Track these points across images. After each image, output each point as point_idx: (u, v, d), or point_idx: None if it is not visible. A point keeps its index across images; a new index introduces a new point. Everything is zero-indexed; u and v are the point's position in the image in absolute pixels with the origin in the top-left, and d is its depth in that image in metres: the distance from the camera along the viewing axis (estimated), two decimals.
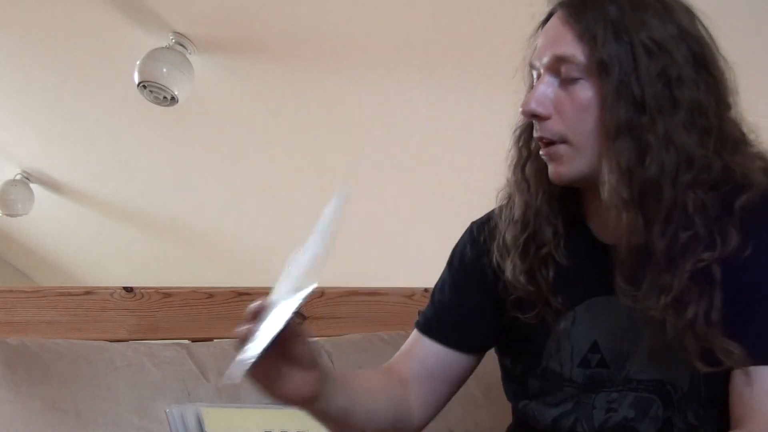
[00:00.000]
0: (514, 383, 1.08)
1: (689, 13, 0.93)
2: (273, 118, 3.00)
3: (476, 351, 1.10)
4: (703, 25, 0.93)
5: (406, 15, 2.20)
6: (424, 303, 1.41)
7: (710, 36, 0.93)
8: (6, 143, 4.05)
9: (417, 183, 2.97)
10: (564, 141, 0.92)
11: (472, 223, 1.12)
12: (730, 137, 0.91)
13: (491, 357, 1.17)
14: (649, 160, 0.87)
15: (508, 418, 1.14)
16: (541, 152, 0.95)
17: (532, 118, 0.94)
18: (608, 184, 0.88)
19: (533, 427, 1.04)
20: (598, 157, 0.90)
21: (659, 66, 0.87)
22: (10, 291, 1.33)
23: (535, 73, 0.96)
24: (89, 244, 4.77)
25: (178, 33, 2.65)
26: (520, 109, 0.94)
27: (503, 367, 1.11)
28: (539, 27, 0.97)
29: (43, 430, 1.14)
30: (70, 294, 1.36)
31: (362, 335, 1.54)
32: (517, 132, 1.01)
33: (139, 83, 2.65)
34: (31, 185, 4.17)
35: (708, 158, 0.88)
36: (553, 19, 0.94)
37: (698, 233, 0.87)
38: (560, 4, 0.94)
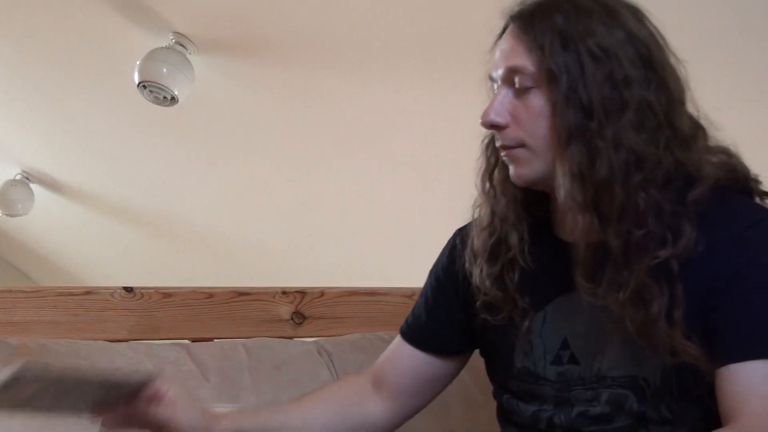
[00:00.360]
0: (495, 382, 1.11)
1: (636, 14, 0.96)
2: (273, 118, 3.00)
3: (453, 355, 1.15)
4: (652, 25, 0.96)
5: (406, 16, 2.20)
6: None
7: (659, 35, 0.96)
8: (6, 143, 4.05)
9: (417, 183, 2.97)
10: (522, 145, 0.96)
11: (457, 230, 1.16)
12: (682, 133, 0.94)
13: None
14: (599, 164, 0.90)
15: None
16: (502, 155, 1.00)
17: (491, 129, 0.99)
18: (563, 187, 0.92)
19: (515, 421, 1.07)
20: (553, 162, 0.94)
21: (606, 70, 0.90)
22: (10, 291, 1.33)
23: (495, 85, 1.00)
24: (89, 244, 4.77)
25: (178, 33, 2.65)
26: (480, 121, 0.99)
27: (486, 366, 1.14)
28: (495, 40, 1.01)
29: (43, 431, 1.14)
30: (70, 294, 1.36)
31: (362, 335, 1.54)
32: (485, 141, 1.06)
33: (139, 83, 2.65)
34: (31, 185, 4.17)
35: (659, 156, 0.91)
36: (507, 33, 0.98)
37: (652, 231, 0.90)
38: (512, 18, 0.98)
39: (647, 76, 0.92)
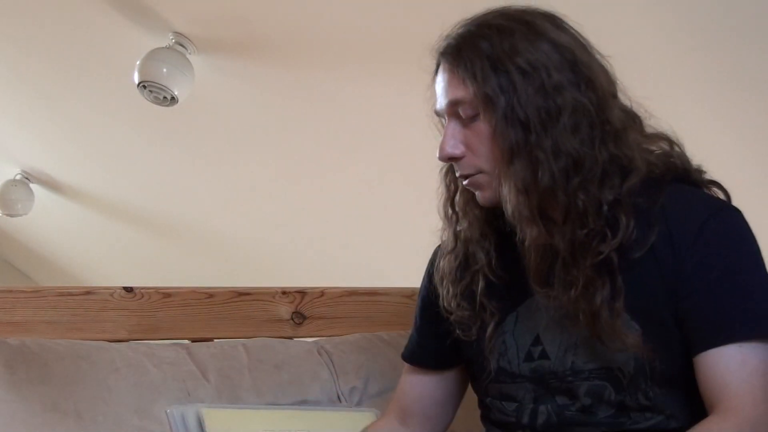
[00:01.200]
0: (477, 390, 1.14)
1: (554, 22, 1.00)
2: (273, 118, 3.00)
3: (453, 368, 1.19)
4: (572, 29, 1.01)
5: (406, 16, 2.20)
6: None
7: (581, 36, 1.01)
8: (6, 143, 4.05)
9: (418, 183, 2.97)
10: (480, 171, 1.01)
11: (436, 247, 1.20)
12: (614, 127, 0.98)
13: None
14: (541, 174, 0.95)
15: None
16: (464, 183, 1.04)
17: (449, 161, 1.05)
18: (509, 203, 0.98)
19: (499, 420, 1.09)
20: (500, 180, 0.99)
21: (536, 83, 0.95)
22: (10, 291, 1.33)
23: (443, 120, 1.05)
24: (89, 244, 4.77)
25: (178, 33, 2.65)
26: (437, 156, 1.04)
27: (470, 380, 1.18)
28: (432, 77, 1.07)
29: (42, 431, 1.14)
30: (70, 294, 1.36)
31: (362, 335, 1.54)
32: (443, 170, 1.11)
33: (139, 83, 2.65)
34: (31, 185, 4.17)
35: (594, 155, 0.95)
36: (440, 69, 1.05)
37: (593, 228, 0.95)
38: (441, 54, 1.04)
39: (576, 79, 0.96)
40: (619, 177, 0.97)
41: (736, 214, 0.98)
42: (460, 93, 0.99)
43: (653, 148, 1.03)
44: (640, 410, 0.97)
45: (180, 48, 2.66)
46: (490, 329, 1.06)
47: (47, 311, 1.33)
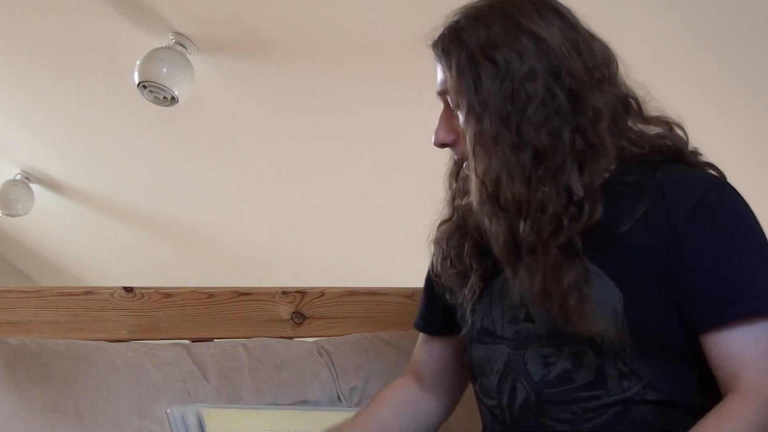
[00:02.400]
0: (468, 358, 1.15)
1: (541, 11, 1.01)
2: (273, 118, 3.00)
3: (457, 334, 1.19)
4: (567, 15, 1.02)
5: (406, 16, 2.20)
6: None
7: (573, 23, 1.02)
8: (6, 143, 4.05)
9: (417, 183, 2.97)
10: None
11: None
12: (595, 114, 0.98)
13: None
14: (496, 166, 0.97)
15: None
16: (463, 166, 1.08)
17: (443, 147, 1.08)
18: (472, 194, 1.01)
19: (485, 402, 1.10)
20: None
21: (506, 75, 0.97)
22: (10, 291, 1.33)
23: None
24: (89, 244, 4.77)
25: (178, 33, 2.65)
26: (432, 142, 1.07)
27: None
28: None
29: (43, 431, 1.14)
30: (70, 294, 1.36)
31: (362, 335, 1.54)
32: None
33: (139, 83, 2.65)
34: (31, 185, 4.17)
35: (563, 144, 0.96)
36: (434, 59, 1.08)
37: (554, 215, 0.95)
38: (432, 45, 1.07)
39: (550, 69, 0.97)
40: (596, 163, 0.98)
41: (733, 190, 0.99)
42: (445, 84, 1.03)
43: (649, 130, 1.03)
44: (619, 377, 0.97)
45: (180, 48, 2.66)
46: (477, 290, 1.08)
47: (47, 311, 1.33)
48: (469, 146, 1.00)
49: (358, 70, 2.52)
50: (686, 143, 1.04)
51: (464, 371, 1.22)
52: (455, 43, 1.02)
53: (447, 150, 1.10)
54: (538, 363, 1.01)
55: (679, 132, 1.04)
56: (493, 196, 0.98)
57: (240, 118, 3.06)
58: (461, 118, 1.01)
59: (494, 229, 0.99)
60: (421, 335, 1.27)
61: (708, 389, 0.95)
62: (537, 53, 0.97)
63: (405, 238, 3.28)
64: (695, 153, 1.04)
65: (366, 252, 3.57)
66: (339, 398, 1.40)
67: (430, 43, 1.07)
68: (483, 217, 1.00)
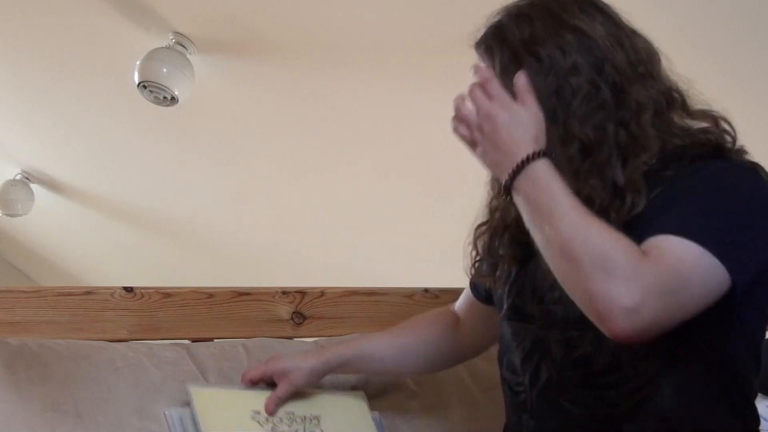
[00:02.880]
0: (499, 336, 1.17)
1: (582, 6, 1.01)
2: (273, 118, 3.00)
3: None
4: (607, 9, 1.03)
5: (407, 16, 2.20)
6: (424, 303, 1.41)
7: (614, 18, 1.02)
8: (6, 143, 4.05)
9: (417, 183, 2.97)
10: None
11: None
12: (638, 107, 0.98)
13: (492, 359, 1.19)
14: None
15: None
16: None
17: None
18: None
19: (510, 382, 1.11)
20: None
21: (549, 71, 0.98)
22: (10, 291, 1.33)
23: None
24: (89, 244, 4.77)
25: (178, 33, 2.65)
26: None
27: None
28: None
29: (43, 430, 1.14)
30: (70, 294, 1.36)
31: (362, 335, 1.54)
32: None
33: (139, 83, 2.65)
34: (31, 185, 4.17)
35: (608, 138, 0.97)
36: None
37: (601, 204, 0.95)
38: (474, 46, 1.08)
39: (594, 63, 0.98)
40: (638, 156, 0.98)
41: (759, 173, 0.97)
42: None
43: (694, 124, 1.02)
44: (637, 363, 0.97)
45: (180, 48, 2.66)
46: (513, 273, 1.11)
47: (47, 311, 1.33)
48: None
49: (358, 70, 2.53)
50: (731, 139, 1.02)
51: (494, 334, 1.24)
52: (498, 42, 1.03)
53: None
54: (561, 345, 1.02)
55: (726, 126, 1.02)
56: None
57: (240, 118, 3.06)
58: None
59: None
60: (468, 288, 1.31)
61: (722, 379, 0.95)
62: (580, 47, 0.98)
63: (405, 239, 3.29)
64: (741, 151, 1.02)
65: (366, 252, 3.57)
66: None
67: (472, 44, 1.08)
68: None
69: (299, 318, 1.54)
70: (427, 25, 2.18)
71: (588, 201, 0.95)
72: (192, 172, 3.61)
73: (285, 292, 1.53)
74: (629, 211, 0.96)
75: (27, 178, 4.16)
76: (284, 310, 1.53)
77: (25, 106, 3.60)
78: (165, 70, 2.60)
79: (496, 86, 0.97)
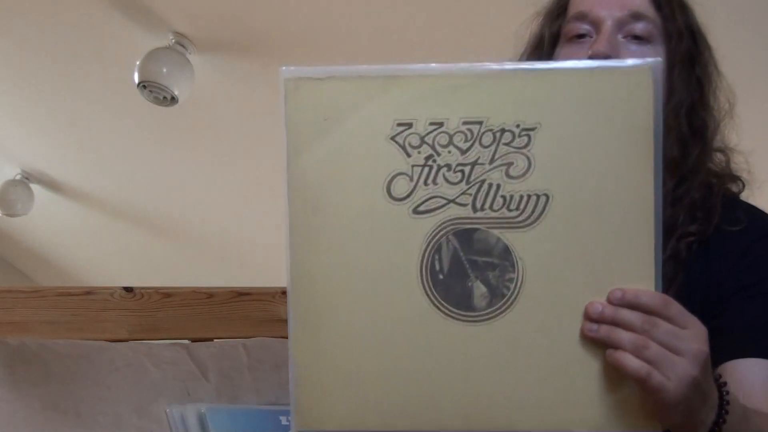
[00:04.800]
0: None
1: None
2: (273, 118, 2.99)
3: None
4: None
5: (407, 16, 2.20)
6: None
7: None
8: (6, 143, 4.05)
9: None
10: None
11: None
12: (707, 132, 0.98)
13: None
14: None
15: None
16: None
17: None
18: None
19: None
20: None
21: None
22: (10, 291, 1.33)
23: (583, 26, 0.96)
24: (89, 244, 4.77)
25: (178, 33, 2.65)
26: (590, 52, 0.91)
27: None
28: None
29: (42, 430, 1.14)
30: (70, 294, 1.36)
31: None
32: None
33: (139, 83, 2.65)
34: (31, 185, 4.17)
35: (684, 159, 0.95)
36: None
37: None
38: None
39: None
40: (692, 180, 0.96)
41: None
42: (650, 11, 0.96)
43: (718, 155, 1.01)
44: None
45: (180, 48, 2.66)
46: None
47: (47, 311, 1.33)
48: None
49: None
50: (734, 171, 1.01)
51: None
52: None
53: None
54: None
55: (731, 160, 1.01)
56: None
57: (240, 117, 3.05)
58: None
59: None
60: None
61: None
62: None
63: None
64: (742, 183, 1.01)
65: None
66: None
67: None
68: None
69: None
70: (429, 26, 2.18)
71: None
72: (192, 172, 3.61)
73: (285, 292, 1.53)
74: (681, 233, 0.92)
75: (27, 178, 4.16)
76: (284, 310, 1.52)
77: (25, 106, 3.60)
78: (165, 70, 2.61)
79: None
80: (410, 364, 0.69)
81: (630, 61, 0.67)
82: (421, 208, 0.68)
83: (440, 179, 0.68)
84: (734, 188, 0.99)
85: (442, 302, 0.69)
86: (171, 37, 2.65)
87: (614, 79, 0.67)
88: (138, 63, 2.63)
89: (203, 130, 3.24)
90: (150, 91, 2.67)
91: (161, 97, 2.69)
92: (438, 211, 0.68)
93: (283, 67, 0.75)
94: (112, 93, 3.13)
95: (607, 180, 0.66)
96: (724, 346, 0.87)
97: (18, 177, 4.15)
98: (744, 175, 1.00)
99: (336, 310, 0.71)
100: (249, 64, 2.71)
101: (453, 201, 0.68)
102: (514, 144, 0.68)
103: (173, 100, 2.70)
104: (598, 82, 0.67)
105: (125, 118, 3.29)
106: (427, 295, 0.69)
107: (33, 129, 3.82)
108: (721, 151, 0.99)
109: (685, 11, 0.96)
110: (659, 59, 0.66)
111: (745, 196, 1.00)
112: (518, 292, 0.68)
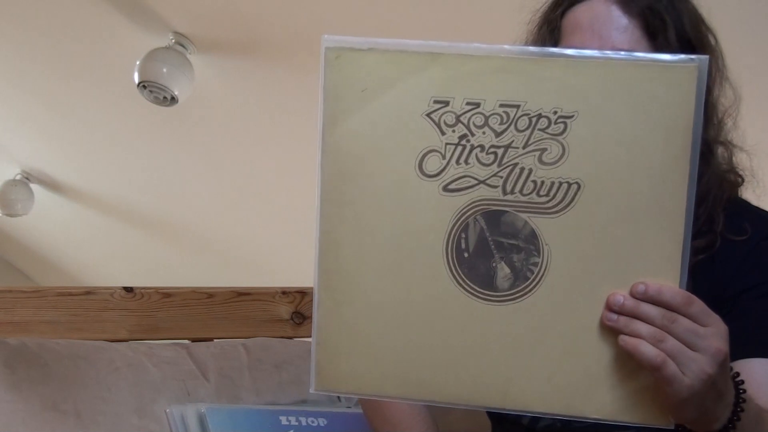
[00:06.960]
0: None
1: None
2: (273, 118, 3.00)
3: None
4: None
5: (406, 16, 2.20)
6: None
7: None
8: (6, 143, 4.05)
9: None
10: None
11: None
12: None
13: None
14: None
15: None
16: None
17: None
18: None
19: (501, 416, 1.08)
20: None
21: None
22: (10, 291, 1.33)
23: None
24: (89, 244, 4.77)
25: (178, 33, 2.65)
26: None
27: None
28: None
29: (42, 430, 1.14)
30: (70, 294, 1.36)
31: None
32: None
33: (139, 83, 2.65)
34: (31, 185, 4.17)
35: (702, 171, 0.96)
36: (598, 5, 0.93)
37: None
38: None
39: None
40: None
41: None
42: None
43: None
44: None
45: (180, 48, 2.66)
46: None
47: (47, 311, 1.33)
48: None
49: None
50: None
51: None
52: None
53: None
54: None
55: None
56: None
57: (240, 117, 3.06)
58: None
59: None
60: None
61: None
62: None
63: None
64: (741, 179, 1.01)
65: None
66: (339, 398, 1.40)
67: None
68: None
69: (299, 318, 1.54)
70: (429, 26, 2.18)
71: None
72: (192, 172, 3.61)
73: (285, 292, 1.54)
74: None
75: (27, 178, 4.16)
76: (284, 310, 1.53)
77: (25, 106, 3.60)
78: (165, 70, 2.61)
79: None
80: (429, 338, 0.71)
81: (676, 56, 0.65)
82: (452, 186, 0.69)
83: (472, 159, 0.68)
84: (735, 185, 0.99)
85: (466, 280, 0.69)
86: (171, 37, 2.65)
87: (658, 73, 0.65)
88: (138, 63, 2.63)
89: (203, 130, 3.24)
90: (150, 91, 2.67)
91: (161, 97, 2.69)
92: (468, 191, 0.69)
93: (325, 35, 0.70)
94: (112, 93, 3.13)
95: (641, 174, 0.66)
96: (730, 347, 0.87)
97: (18, 177, 4.15)
98: (746, 173, 1.01)
99: (361, 279, 0.75)
100: (249, 64, 2.71)
101: (483, 182, 0.68)
102: (549, 130, 0.67)
103: (173, 100, 2.70)
104: (641, 75, 0.66)
105: (125, 118, 3.29)
106: (451, 272, 0.70)
107: (33, 129, 3.82)
108: (723, 144, 0.99)
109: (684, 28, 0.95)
110: (706, 57, 0.65)
111: (750, 198, 1.01)
112: (542, 276, 0.68)
